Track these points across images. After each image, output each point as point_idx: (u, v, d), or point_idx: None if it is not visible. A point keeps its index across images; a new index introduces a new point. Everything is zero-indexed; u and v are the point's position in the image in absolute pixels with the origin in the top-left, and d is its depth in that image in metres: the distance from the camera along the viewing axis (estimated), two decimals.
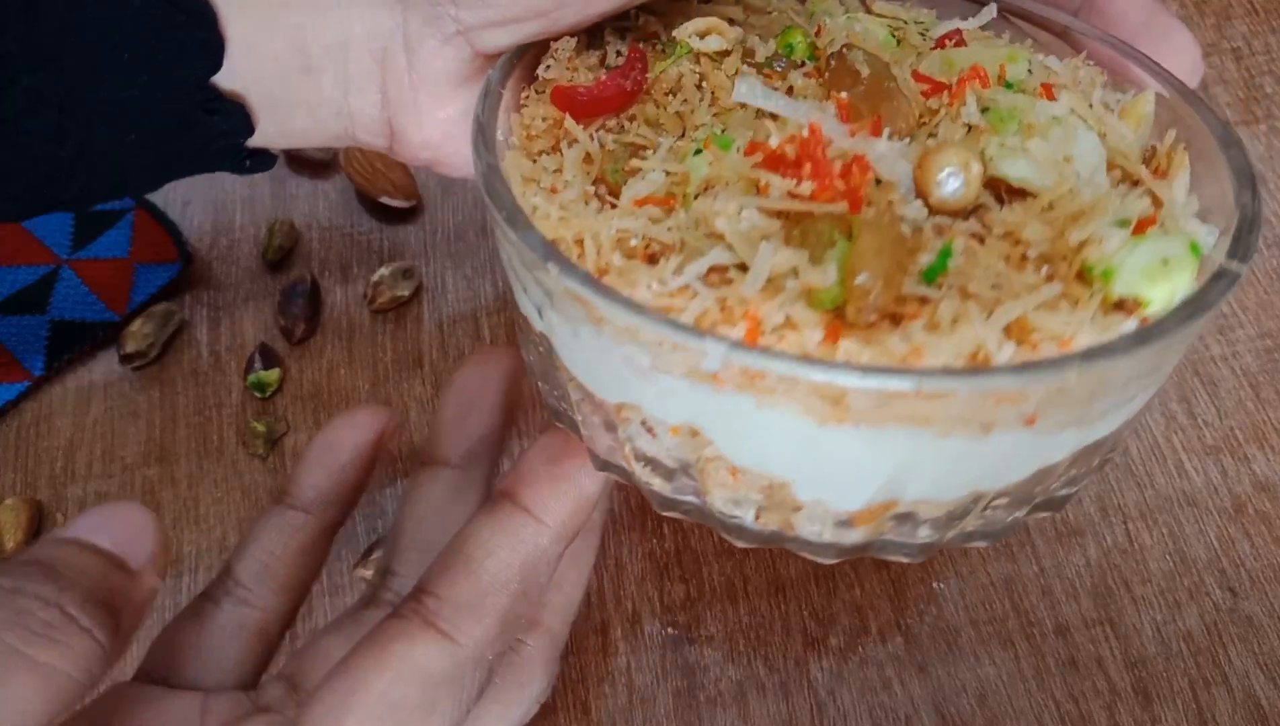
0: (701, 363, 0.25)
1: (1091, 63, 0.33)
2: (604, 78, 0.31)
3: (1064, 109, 0.29)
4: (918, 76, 0.30)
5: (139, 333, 0.48)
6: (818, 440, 0.26)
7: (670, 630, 0.43)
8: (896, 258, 0.25)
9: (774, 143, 0.27)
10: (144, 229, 0.51)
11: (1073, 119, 0.29)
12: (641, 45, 0.32)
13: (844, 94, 0.29)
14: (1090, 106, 0.30)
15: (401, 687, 0.29)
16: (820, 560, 0.32)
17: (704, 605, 0.43)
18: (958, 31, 0.33)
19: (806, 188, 0.26)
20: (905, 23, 0.34)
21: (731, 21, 0.34)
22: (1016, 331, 0.25)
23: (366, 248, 0.52)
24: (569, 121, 0.30)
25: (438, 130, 0.35)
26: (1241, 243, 0.26)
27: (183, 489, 0.46)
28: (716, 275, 0.26)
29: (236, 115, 0.33)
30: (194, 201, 0.53)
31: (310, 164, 0.55)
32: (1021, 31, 0.35)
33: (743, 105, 0.30)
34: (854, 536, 0.30)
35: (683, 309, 0.25)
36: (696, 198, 0.27)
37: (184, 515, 0.46)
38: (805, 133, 0.27)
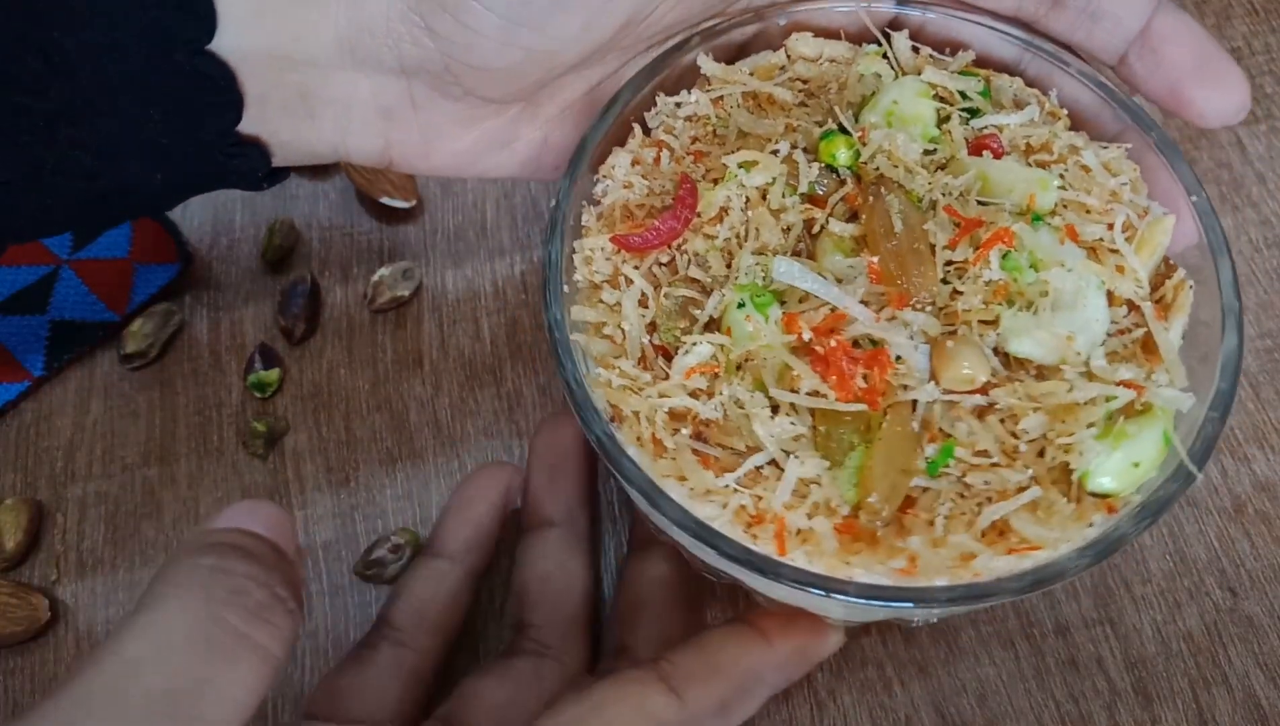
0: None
1: (1128, 147, 0.36)
2: (658, 223, 0.34)
3: (1077, 274, 0.32)
4: (950, 211, 0.33)
5: (139, 332, 0.48)
6: (829, 603, 0.31)
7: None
8: (905, 463, 0.31)
9: (807, 336, 0.31)
10: (144, 229, 0.51)
11: (1086, 276, 0.32)
12: (690, 173, 0.35)
13: (875, 259, 0.33)
14: (1106, 252, 0.34)
15: (629, 721, 0.33)
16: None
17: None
18: (996, 136, 0.35)
19: (831, 393, 0.31)
20: (951, 96, 0.36)
21: (786, 107, 0.37)
22: (1001, 524, 0.31)
23: (366, 248, 0.52)
24: (626, 268, 0.34)
25: (447, 160, 0.38)
26: (1204, 451, 0.32)
27: (183, 489, 0.46)
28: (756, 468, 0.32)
29: (255, 154, 0.35)
30: (194, 201, 0.53)
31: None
32: (1064, 76, 0.38)
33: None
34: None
35: (725, 504, 0.31)
36: (739, 368, 0.32)
37: (184, 515, 0.46)
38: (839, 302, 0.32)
